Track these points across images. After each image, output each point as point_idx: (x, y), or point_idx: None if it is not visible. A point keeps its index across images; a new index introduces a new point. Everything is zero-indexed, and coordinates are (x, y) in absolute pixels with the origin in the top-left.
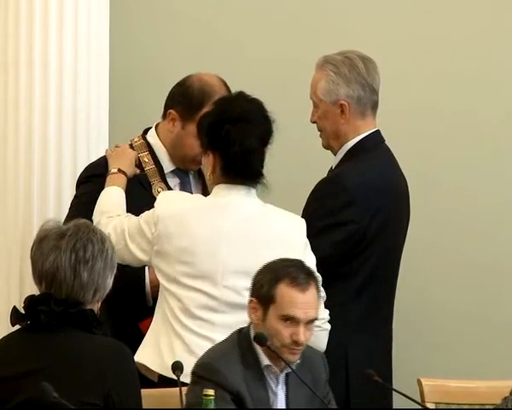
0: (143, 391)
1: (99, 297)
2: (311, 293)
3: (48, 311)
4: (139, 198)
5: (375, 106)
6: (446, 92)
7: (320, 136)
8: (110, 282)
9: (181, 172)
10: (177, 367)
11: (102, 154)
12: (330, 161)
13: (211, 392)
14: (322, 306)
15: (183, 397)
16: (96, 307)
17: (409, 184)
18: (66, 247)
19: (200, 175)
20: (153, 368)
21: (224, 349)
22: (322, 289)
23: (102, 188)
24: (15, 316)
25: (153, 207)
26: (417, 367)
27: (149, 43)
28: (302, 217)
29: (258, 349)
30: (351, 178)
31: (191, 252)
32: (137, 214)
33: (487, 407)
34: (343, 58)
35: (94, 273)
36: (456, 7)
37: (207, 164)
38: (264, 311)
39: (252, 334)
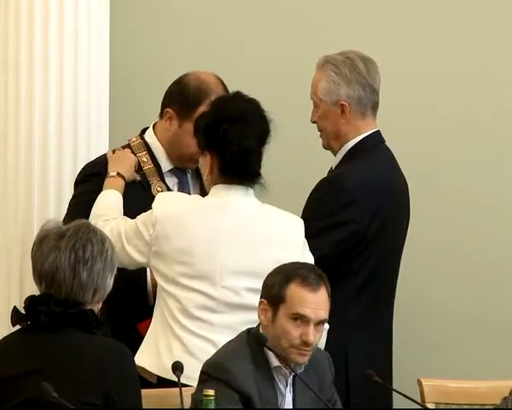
0: (143, 392)
1: (99, 298)
2: (321, 293)
3: (48, 311)
4: (138, 198)
5: (375, 106)
6: (446, 92)
7: (320, 136)
8: (110, 282)
9: (179, 171)
10: (178, 367)
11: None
12: (329, 161)
13: (211, 392)
14: None
15: (185, 396)
16: (97, 307)
17: (409, 184)
18: (65, 247)
19: (198, 175)
20: (151, 370)
21: (235, 348)
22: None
23: (101, 187)
24: (16, 316)
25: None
26: (417, 367)
27: (149, 43)
28: (302, 217)
29: (268, 350)
30: (351, 178)
31: (189, 252)
32: (136, 214)
33: (487, 407)
34: (344, 58)
35: (93, 273)
36: (456, 7)
37: (205, 164)
38: (274, 311)
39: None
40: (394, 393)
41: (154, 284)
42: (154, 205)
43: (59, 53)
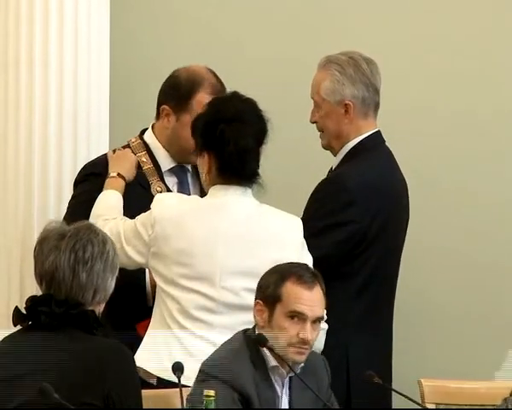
0: (143, 392)
1: (100, 299)
2: (316, 291)
3: (49, 312)
4: (138, 198)
5: (376, 107)
6: (446, 92)
7: (320, 136)
8: (112, 284)
9: (179, 170)
10: (178, 368)
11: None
12: (329, 161)
13: (211, 392)
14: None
15: (186, 396)
16: (99, 308)
17: (409, 185)
18: (65, 247)
19: (197, 175)
20: (151, 371)
21: (233, 348)
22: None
23: (100, 187)
24: (17, 316)
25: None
26: (417, 368)
27: (149, 43)
28: (303, 217)
29: (265, 350)
30: (351, 178)
31: (189, 253)
32: (136, 214)
33: (487, 407)
34: (347, 58)
35: (93, 274)
36: (456, 7)
37: (203, 165)
38: (270, 311)
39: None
40: (394, 393)
41: (154, 285)
42: (152, 206)
43: (59, 53)
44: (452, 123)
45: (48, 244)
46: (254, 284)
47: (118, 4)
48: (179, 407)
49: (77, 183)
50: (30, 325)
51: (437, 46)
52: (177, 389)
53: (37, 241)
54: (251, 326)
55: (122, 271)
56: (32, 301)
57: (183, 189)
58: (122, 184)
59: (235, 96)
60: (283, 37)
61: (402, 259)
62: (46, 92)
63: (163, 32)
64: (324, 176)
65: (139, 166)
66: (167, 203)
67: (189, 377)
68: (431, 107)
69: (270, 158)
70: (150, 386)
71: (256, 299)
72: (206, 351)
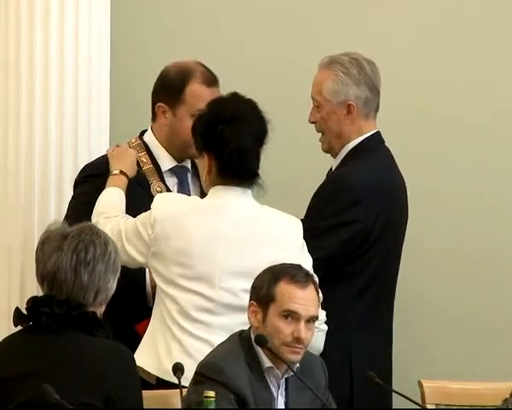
0: (143, 392)
1: (101, 300)
2: (310, 290)
3: (49, 313)
4: (138, 198)
5: (377, 108)
6: (446, 93)
7: (320, 140)
8: (113, 285)
9: (179, 170)
10: (178, 368)
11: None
12: (328, 162)
13: (211, 393)
14: (320, 307)
15: (184, 397)
16: (100, 310)
17: (409, 185)
18: (67, 248)
19: (198, 175)
20: (150, 371)
21: (229, 349)
22: (319, 291)
23: (100, 188)
24: (17, 317)
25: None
26: (418, 369)
27: (149, 44)
28: (306, 218)
29: (260, 352)
30: (355, 178)
31: (188, 254)
32: (136, 214)
33: (488, 408)
34: (350, 59)
35: (94, 275)
36: (456, 8)
37: (203, 165)
38: (264, 312)
39: (252, 337)
40: (395, 394)
41: (154, 286)
42: (152, 206)
43: (59, 53)
44: (452, 123)
45: (50, 245)
46: None
47: (118, 4)
48: (179, 407)
49: (77, 184)
50: (31, 325)
51: (436, 46)
52: (177, 390)
53: (39, 241)
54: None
55: (122, 270)
56: (33, 302)
57: (183, 189)
58: (125, 181)
59: (236, 96)
60: (284, 37)
61: (402, 259)
62: (47, 92)
63: (163, 32)
64: (324, 176)
65: (139, 166)
66: (167, 203)
67: (188, 378)
68: (431, 107)
69: (269, 158)
70: (150, 386)
71: (250, 300)
72: (205, 352)
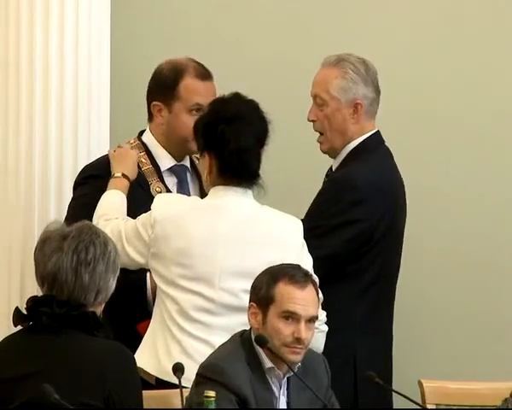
0: (144, 393)
1: (101, 299)
2: (309, 290)
3: (50, 313)
4: (138, 198)
5: (377, 108)
6: (445, 93)
7: (319, 140)
8: (113, 284)
9: (179, 169)
10: (178, 369)
11: (103, 154)
12: (328, 161)
13: (211, 393)
14: (320, 307)
15: (185, 398)
16: (99, 309)
17: (409, 184)
18: (68, 248)
19: (197, 174)
20: (150, 371)
21: (230, 350)
22: (319, 291)
23: (100, 188)
24: (17, 317)
25: (150, 206)
26: (418, 369)
27: (149, 43)
28: (309, 217)
29: (261, 352)
30: (359, 177)
31: (188, 254)
32: (135, 214)
33: (488, 408)
34: (357, 58)
35: (95, 275)
36: (456, 8)
37: (204, 165)
38: (264, 313)
39: (252, 338)
40: (395, 394)
41: (154, 292)
42: (152, 206)
43: (59, 53)
44: (452, 123)
45: (50, 245)
46: None
47: (118, 4)
48: (179, 407)
49: (76, 185)
50: (31, 325)
51: (436, 46)
52: (177, 390)
53: (39, 242)
54: (248, 328)
55: (123, 272)
56: (33, 302)
57: (182, 188)
58: (126, 184)
59: (237, 96)
60: (284, 37)
61: (402, 259)
62: (47, 92)
63: (163, 32)
64: (323, 177)
65: (138, 167)
66: (167, 204)
67: (189, 379)
68: (431, 107)
69: (269, 159)
70: (150, 386)
71: (250, 302)
72: (204, 352)
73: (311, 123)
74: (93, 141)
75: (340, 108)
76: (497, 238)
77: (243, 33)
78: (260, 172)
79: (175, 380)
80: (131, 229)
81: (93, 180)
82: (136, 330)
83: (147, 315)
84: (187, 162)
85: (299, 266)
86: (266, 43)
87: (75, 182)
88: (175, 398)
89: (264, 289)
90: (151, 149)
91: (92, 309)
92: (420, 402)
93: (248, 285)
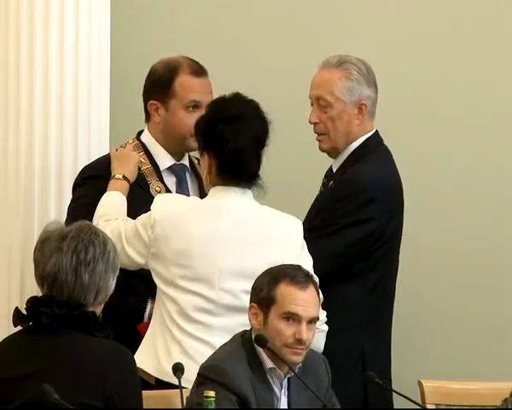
0: (144, 393)
1: (101, 299)
2: (310, 291)
3: (50, 313)
4: (137, 198)
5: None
6: (445, 93)
7: (320, 139)
8: (112, 284)
9: (178, 168)
10: (178, 369)
11: (103, 154)
12: (328, 162)
13: (211, 393)
14: (320, 307)
15: (185, 398)
16: (99, 309)
17: (408, 184)
18: (67, 249)
19: (196, 174)
20: (150, 372)
21: (231, 351)
22: (320, 291)
23: (100, 189)
24: (17, 317)
25: (150, 205)
26: (418, 369)
27: (149, 43)
28: (321, 215)
29: (262, 352)
30: (368, 177)
31: (188, 254)
32: (135, 214)
33: (488, 408)
34: (357, 59)
35: (95, 275)
36: (456, 8)
37: (204, 165)
38: (265, 314)
39: (253, 338)
40: (395, 394)
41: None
42: (152, 207)
43: (59, 53)
44: (451, 123)
45: (49, 246)
46: None
47: (118, 4)
48: (179, 407)
49: (75, 186)
50: (30, 326)
51: (436, 46)
52: (178, 390)
53: (38, 242)
54: (248, 328)
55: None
56: (33, 302)
57: (181, 188)
58: (126, 186)
59: (237, 97)
60: (283, 38)
61: (402, 259)
62: (47, 92)
63: (163, 32)
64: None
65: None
66: (167, 204)
67: (189, 380)
68: (431, 107)
69: (269, 159)
70: (150, 386)
71: (250, 302)
72: (204, 353)
73: (312, 124)
74: (93, 141)
75: (345, 110)
76: (497, 238)
77: (243, 33)
78: (260, 172)
79: (175, 381)
80: (131, 229)
81: (92, 181)
82: (137, 331)
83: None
84: (186, 161)
85: (300, 266)
86: (266, 44)
87: (74, 183)
88: (175, 398)
89: (266, 290)
90: (150, 148)
91: (92, 309)
92: (420, 402)
93: (248, 286)
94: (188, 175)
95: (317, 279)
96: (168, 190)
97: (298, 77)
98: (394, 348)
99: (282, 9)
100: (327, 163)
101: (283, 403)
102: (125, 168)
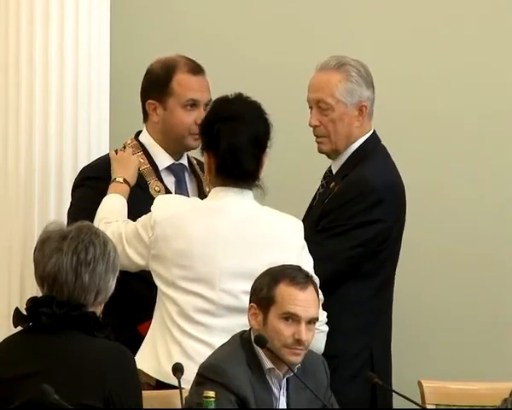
0: (144, 393)
1: (101, 300)
2: (310, 292)
3: (50, 313)
4: (137, 199)
5: None
6: (445, 93)
7: (320, 141)
8: (112, 285)
9: (176, 168)
10: (178, 369)
11: (103, 154)
12: (328, 162)
13: (211, 393)
14: (321, 308)
15: (184, 398)
16: (99, 309)
17: (408, 184)
18: (67, 249)
19: (195, 173)
20: (150, 374)
21: (230, 351)
22: (320, 292)
23: (98, 190)
24: (17, 317)
25: (150, 205)
26: (417, 369)
27: (149, 43)
28: (329, 217)
29: (261, 353)
30: (375, 178)
31: (188, 255)
32: (135, 214)
33: (487, 408)
34: (355, 61)
35: (95, 276)
36: (456, 8)
37: (205, 164)
38: (264, 314)
39: (252, 338)
40: (395, 394)
41: None
42: (153, 208)
43: (59, 53)
44: (452, 123)
45: (49, 246)
46: None
47: (118, 4)
48: (179, 407)
49: (75, 187)
50: (30, 326)
51: (436, 46)
52: (177, 390)
53: (38, 242)
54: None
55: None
56: (33, 302)
57: (180, 188)
58: (127, 189)
59: (239, 97)
60: (283, 38)
61: (402, 259)
62: (46, 92)
63: (163, 32)
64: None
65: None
66: (167, 205)
67: (188, 380)
68: (430, 107)
69: (269, 160)
70: (149, 387)
71: (250, 302)
72: (205, 354)
73: (312, 127)
74: (93, 141)
75: (346, 112)
76: (497, 238)
77: (243, 33)
78: (263, 174)
79: (175, 382)
80: (132, 231)
81: (90, 182)
82: (138, 332)
83: (147, 315)
84: (185, 161)
85: (299, 267)
86: (266, 44)
87: (73, 184)
88: (175, 398)
89: (265, 291)
90: (148, 148)
91: (92, 309)
92: (420, 403)
93: (249, 286)
94: (187, 175)
95: (317, 280)
96: (167, 190)
97: (298, 77)
98: (394, 348)
99: (282, 9)
100: (326, 164)
101: (282, 403)
102: (126, 172)
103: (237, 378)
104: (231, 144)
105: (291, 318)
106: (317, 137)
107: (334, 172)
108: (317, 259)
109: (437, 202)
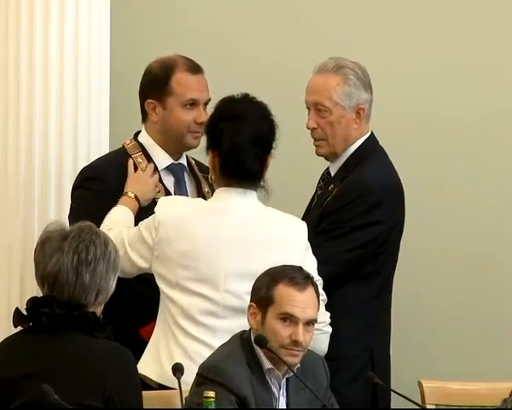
0: (144, 393)
1: (102, 300)
2: (309, 293)
3: (50, 313)
4: None
5: None
6: (445, 93)
7: (318, 144)
8: (113, 285)
9: (176, 168)
10: (178, 369)
11: (103, 154)
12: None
13: (211, 394)
14: (323, 309)
15: (185, 398)
16: (99, 309)
17: (409, 185)
18: (68, 249)
19: (193, 174)
20: (152, 378)
21: (229, 351)
22: (322, 292)
23: (97, 190)
24: (17, 317)
25: (149, 205)
26: (417, 369)
27: (149, 43)
28: (329, 218)
29: (260, 353)
30: (375, 180)
31: (192, 256)
32: (135, 215)
33: (487, 408)
34: (353, 63)
35: (96, 275)
36: (456, 8)
37: (209, 164)
38: (263, 314)
39: (252, 338)
40: (395, 395)
41: None
42: (156, 209)
43: (59, 53)
44: (452, 123)
45: (50, 246)
46: None
47: (118, 4)
48: (179, 407)
49: (74, 188)
50: (31, 326)
51: (436, 46)
52: (177, 391)
53: (38, 242)
54: None
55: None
56: (33, 303)
57: (179, 188)
58: (136, 205)
59: (245, 97)
60: (283, 39)
61: (402, 259)
62: (46, 92)
63: (163, 32)
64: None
65: (135, 167)
66: (170, 206)
67: (189, 382)
68: (430, 107)
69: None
70: (150, 387)
71: (250, 302)
72: (206, 356)
73: (310, 129)
74: (93, 141)
75: (344, 115)
76: (497, 238)
77: (243, 34)
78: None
79: (177, 386)
80: (134, 234)
81: (89, 183)
82: (140, 335)
83: (150, 318)
84: (184, 161)
85: (300, 267)
86: (266, 44)
87: (73, 185)
88: (175, 398)
89: (264, 290)
90: (147, 148)
91: (92, 310)
92: (420, 403)
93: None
94: (186, 175)
95: (319, 281)
96: (167, 190)
97: (298, 77)
98: (394, 348)
99: (282, 9)
100: (327, 164)
101: (282, 404)
102: (139, 189)
103: (237, 378)
104: (233, 143)
105: (289, 318)
106: (314, 140)
107: (332, 175)
108: (316, 261)
109: (437, 202)
